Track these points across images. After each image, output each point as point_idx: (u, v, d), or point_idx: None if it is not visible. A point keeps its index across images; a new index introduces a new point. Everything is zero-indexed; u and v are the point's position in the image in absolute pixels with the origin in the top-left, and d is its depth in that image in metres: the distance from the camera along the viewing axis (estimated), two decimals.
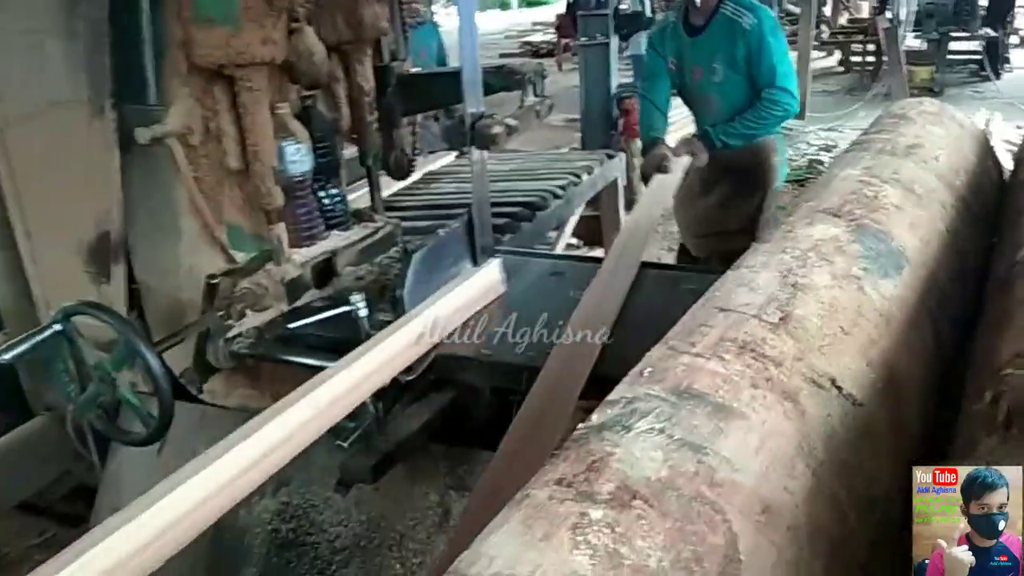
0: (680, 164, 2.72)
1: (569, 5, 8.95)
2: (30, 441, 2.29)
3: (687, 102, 3.19)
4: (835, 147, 7.08)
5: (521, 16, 20.21)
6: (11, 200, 1.97)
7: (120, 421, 1.95)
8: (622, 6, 6.16)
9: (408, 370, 1.79)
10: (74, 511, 2.53)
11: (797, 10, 10.04)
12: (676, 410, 1.05)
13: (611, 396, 1.10)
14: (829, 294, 1.38)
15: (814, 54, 9.20)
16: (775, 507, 0.97)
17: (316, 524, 2.01)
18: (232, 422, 1.83)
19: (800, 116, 6.81)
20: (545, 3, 23.37)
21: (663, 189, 2.63)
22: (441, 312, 2.01)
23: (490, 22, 18.78)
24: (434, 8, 4.79)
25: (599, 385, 1.29)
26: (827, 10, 12.37)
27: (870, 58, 10.79)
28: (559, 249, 3.28)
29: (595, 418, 1.05)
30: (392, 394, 1.85)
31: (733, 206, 2.99)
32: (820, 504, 1.04)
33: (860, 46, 11.12)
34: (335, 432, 1.65)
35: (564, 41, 11.93)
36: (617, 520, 0.86)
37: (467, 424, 2.00)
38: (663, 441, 0.99)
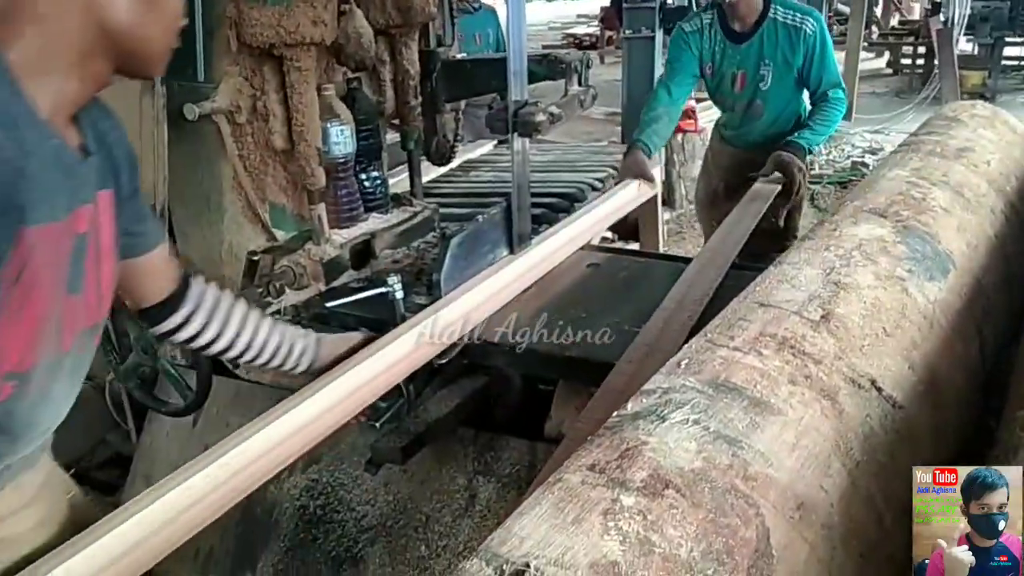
0: (774, 188, 2.61)
1: None
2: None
3: (721, 105, 3.09)
4: (881, 150, 6.96)
5: (565, 8, 20.09)
6: None
7: (157, 392, 1.99)
8: (668, 0, 6.10)
9: (441, 354, 1.80)
10: (109, 479, 2.58)
11: (847, 10, 9.88)
12: (712, 402, 1.04)
13: (647, 386, 1.10)
14: (872, 294, 1.36)
15: (863, 55, 9.03)
16: (809, 504, 0.96)
17: (344, 502, 2.03)
18: (266, 398, 1.86)
19: (846, 117, 6.71)
20: None
21: (758, 199, 2.54)
22: (587, 223, 2.29)
23: (535, 13, 18.69)
24: None
25: None
26: (878, 11, 12.15)
27: (920, 61, 10.57)
28: (594, 242, 3.26)
29: (630, 406, 1.04)
30: (424, 377, 1.86)
31: None
32: (856, 504, 1.03)
33: (910, 48, 10.89)
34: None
35: (608, 34, 11.85)
36: (649, 508, 0.85)
37: (497, 411, 2.00)
38: (698, 432, 0.98)
